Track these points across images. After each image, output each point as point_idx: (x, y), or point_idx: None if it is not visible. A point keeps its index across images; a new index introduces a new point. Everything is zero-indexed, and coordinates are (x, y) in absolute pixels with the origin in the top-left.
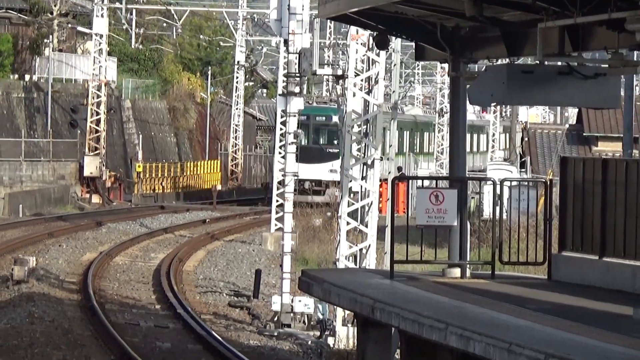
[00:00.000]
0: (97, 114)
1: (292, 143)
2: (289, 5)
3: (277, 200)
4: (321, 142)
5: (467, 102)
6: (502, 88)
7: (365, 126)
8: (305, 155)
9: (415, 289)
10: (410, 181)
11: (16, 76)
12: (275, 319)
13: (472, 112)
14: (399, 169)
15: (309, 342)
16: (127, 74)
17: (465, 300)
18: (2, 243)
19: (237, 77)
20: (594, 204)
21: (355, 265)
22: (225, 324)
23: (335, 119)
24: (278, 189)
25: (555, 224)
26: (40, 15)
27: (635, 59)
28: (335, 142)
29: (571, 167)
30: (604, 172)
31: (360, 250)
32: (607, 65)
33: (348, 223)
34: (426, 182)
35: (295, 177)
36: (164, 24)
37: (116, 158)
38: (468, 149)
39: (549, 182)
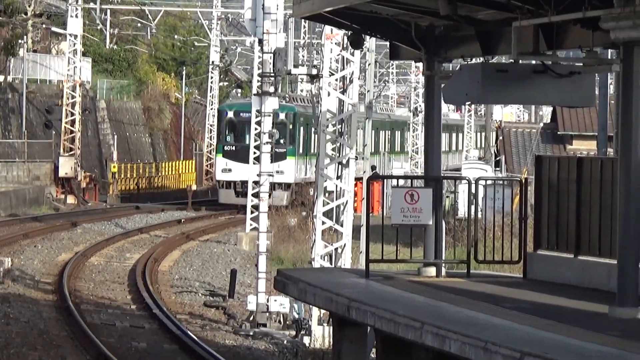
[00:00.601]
0: (72, 114)
1: (267, 143)
2: (263, 4)
3: (252, 200)
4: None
5: (442, 101)
6: (477, 87)
7: (340, 125)
8: (247, 155)
9: (391, 288)
10: (385, 180)
11: None
12: (251, 318)
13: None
14: (373, 167)
15: (285, 342)
16: (101, 74)
17: (440, 299)
18: None
19: (211, 77)
20: (569, 203)
21: (331, 264)
22: (201, 324)
23: (282, 115)
24: (253, 188)
25: (530, 223)
26: (15, 16)
27: (609, 57)
28: (278, 140)
29: (546, 165)
30: (578, 170)
31: (336, 249)
32: (581, 64)
33: (323, 222)
34: (401, 182)
35: (271, 177)
36: (139, 24)
37: (91, 158)
38: (443, 148)
39: (523, 181)
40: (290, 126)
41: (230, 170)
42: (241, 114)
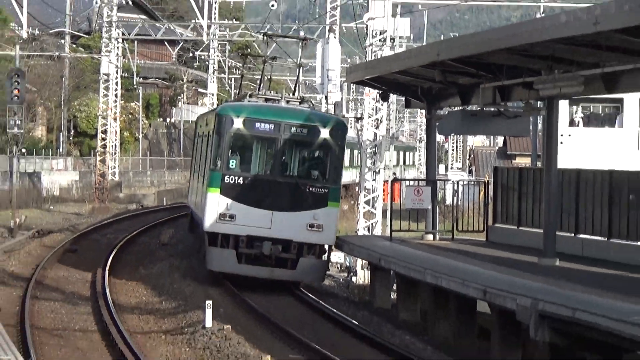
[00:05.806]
0: None
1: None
2: (327, 75)
3: None
4: (294, 174)
5: (437, 133)
6: (458, 124)
7: (374, 148)
8: (263, 194)
9: (406, 247)
10: (402, 182)
11: (161, 119)
12: None
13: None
14: (394, 174)
15: (341, 280)
16: None
17: (436, 254)
18: (154, 220)
19: None
20: (514, 195)
21: (369, 233)
22: None
23: (324, 132)
24: None
25: (490, 207)
26: (176, 82)
27: (539, 106)
28: (316, 173)
29: (500, 173)
30: (519, 175)
31: (372, 224)
32: (522, 110)
33: (364, 207)
34: (412, 182)
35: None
36: (253, 86)
37: None
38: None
39: (486, 182)
40: (337, 149)
41: (232, 217)
42: (258, 125)
